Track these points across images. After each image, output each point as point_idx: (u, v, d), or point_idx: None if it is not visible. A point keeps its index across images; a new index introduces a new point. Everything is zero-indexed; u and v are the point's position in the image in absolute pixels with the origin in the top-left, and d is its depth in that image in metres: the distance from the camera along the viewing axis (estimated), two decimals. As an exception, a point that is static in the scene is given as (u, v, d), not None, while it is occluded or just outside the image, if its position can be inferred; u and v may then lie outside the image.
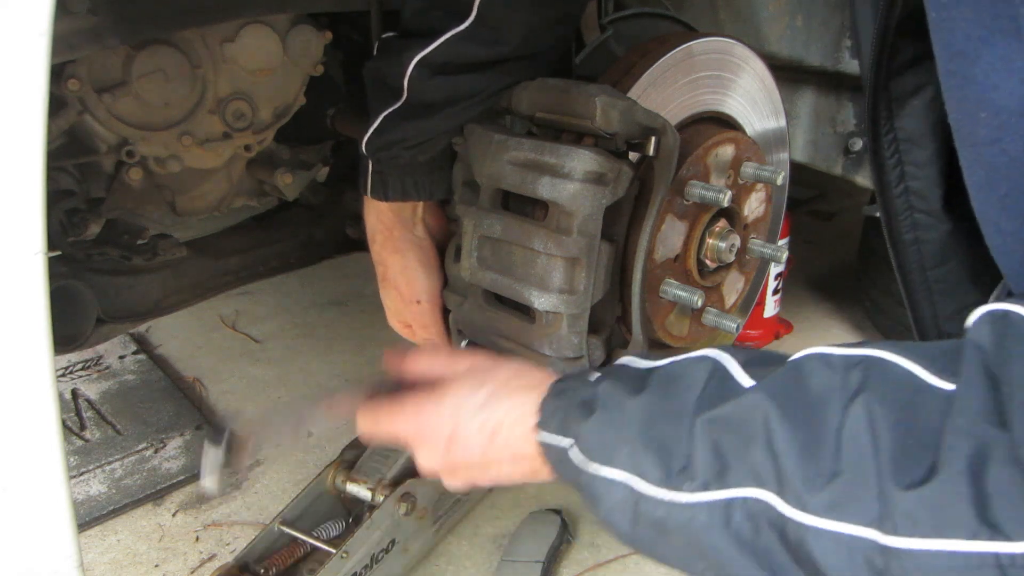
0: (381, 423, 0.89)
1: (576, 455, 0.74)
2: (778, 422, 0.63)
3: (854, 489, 0.59)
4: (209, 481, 0.94)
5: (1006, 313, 0.58)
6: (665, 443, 0.68)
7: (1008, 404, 0.55)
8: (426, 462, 0.86)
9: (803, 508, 0.60)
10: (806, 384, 0.64)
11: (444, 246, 1.19)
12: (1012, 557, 0.52)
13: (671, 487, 0.67)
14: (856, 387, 0.62)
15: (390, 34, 1.08)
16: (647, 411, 0.71)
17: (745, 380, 0.69)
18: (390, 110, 1.05)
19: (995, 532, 0.53)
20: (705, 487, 0.66)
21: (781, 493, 0.62)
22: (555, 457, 0.76)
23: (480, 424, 0.81)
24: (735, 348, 0.73)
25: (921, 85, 0.90)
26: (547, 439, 0.77)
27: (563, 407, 0.77)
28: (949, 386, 0.59)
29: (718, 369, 0.71)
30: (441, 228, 1.20)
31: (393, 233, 1.15)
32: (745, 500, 0.64)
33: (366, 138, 1.08)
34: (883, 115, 0.92)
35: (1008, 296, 0.59)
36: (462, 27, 0.98)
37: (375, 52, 1.09)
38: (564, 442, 0.75)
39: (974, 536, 0.54)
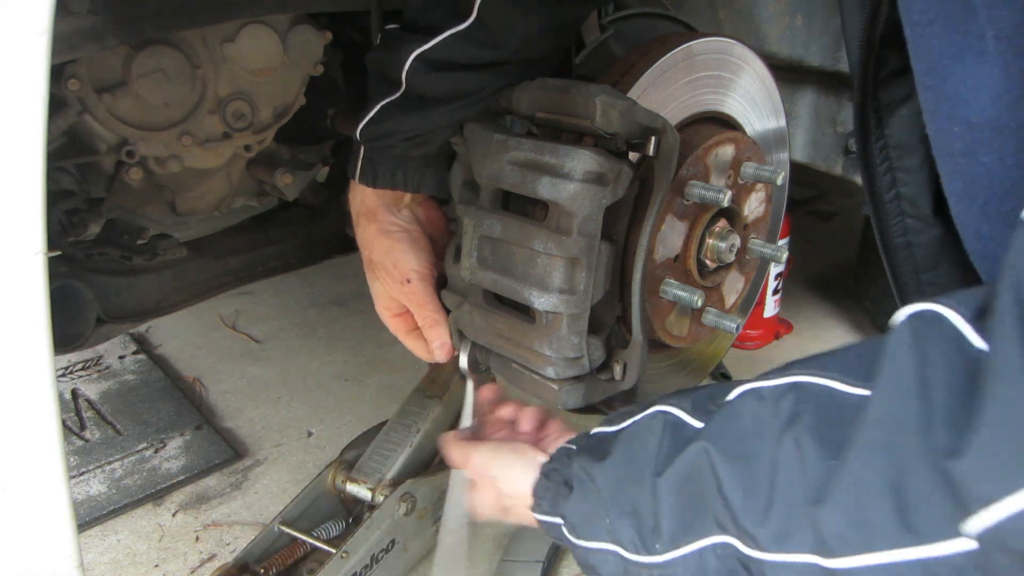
0: (453, 454, 1.02)
1: (567, 532, 0.82)
2: (721, 465, 0.67)
3: (790, 519, 0.62)
4: None
5: (921, 313, 0.59)
6: (635, 508, 0.75)
7: (928, 409, 0.55)
8: (474, 504, 1.00)
9: (757, 545, 0.64)
10: (742, 422, 0.68)
11: (434, 236, 1.18)
12: (939, 561, 0.54)
13: (648, 550, 0.74)
14: (786, 417, 0.65)
15: (393, 26, 1.08)
16: (615, 480, 0.78)
17: (695, 423, 0.74)
18: (387, 101, 1.05)
19: (917, 537, 0.54)
20: (675, 544, 0.71)
21: (738, 535, 0.66)
22: (553, 533, 0.85)
23: (511, 519, 0.95)
24: (682, 395, 0.79)
25: (909, 95, 0.91)
26: (542, 519, 0.86)
27: (551, 488, 0.85)
28: (864, 392, 0.61)
29: (669, 420, 0.76)
30: (431, 219, 1.18)
31: (376, 215, 1.13)
32: (714, 547, 0.69)
33: (361, 125, 1.08)
34: (872, 123, 0.93)
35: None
36: (462, 27, 0.99)
37: (378, 42, 1.09)
38: (556, 520, 0.84)
39: (898, 544, 0.55)
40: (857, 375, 0.63)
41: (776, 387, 0.67)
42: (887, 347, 0.60)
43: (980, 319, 0.56)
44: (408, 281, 1.13)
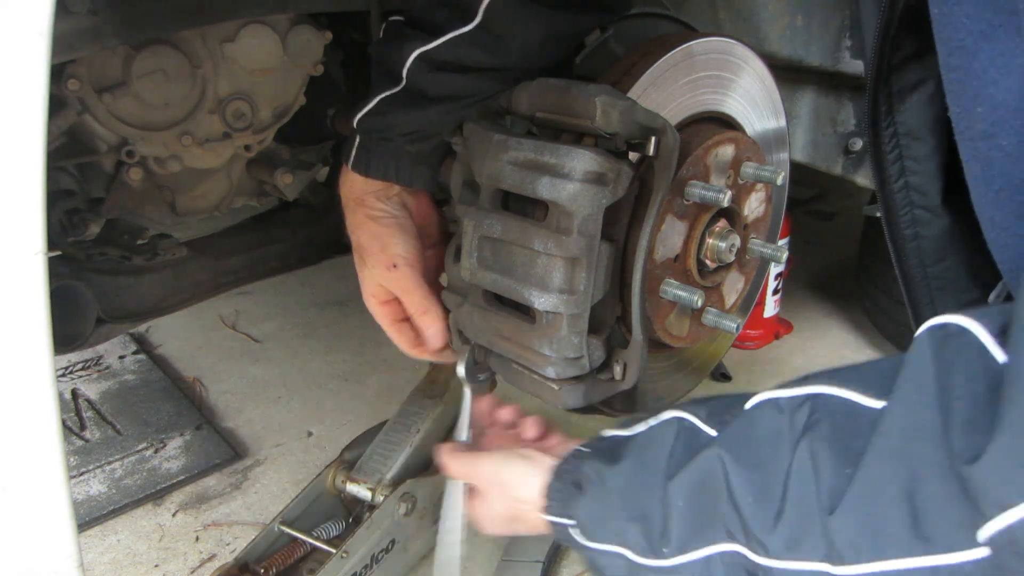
0: (456, 467, 1.02)
1: (576, 533, 0.82)
2: (735, 472, 0.67)
3: (802, 526, 0.62)
4: None
5: (945, 325, 0.59)
6: (644, 512, 0.74)
7: (948, 417, 0.55)
8: (480, 517, 1.00)
9: (766, 553, 0.64)
10: (757, 430, 0.68)
11: (423, 226, 1.17)
12: (949, 569, 0.54)
13: (656, 555, 0.73)
14: (802, 427, 0.65)
15: (398, 18, 1.07)
16: (626, 483, 0.78)
17: (709, 431, 0.74)
18: (387, 94, 1.05)
19: (929, 545, 0.54)
20: (683, 549, 0.71)
21: (747, 543, 0.66)
22: (562, 535, 0.84)
23: (521, 529, 0.95)
24: (699, 403, 0.79)
25: (922, 79, 0.90)
26: (553, 520, 0.85)
27: (562, 490, 0.85)
28: (881, 404, 0.61)
29: (684, 427, 0.76)
30: (421, 210, 1.17)
31: (365, 202, 1.13)
32: (722, 555, 0.69)
33: (360, 115, 1.08)
34: (883, 110, 0.93)
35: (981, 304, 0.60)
36: (465, 29, 0.99)
37: (381, 33, 1.09)
38: (567, 521, 0.83)
39: (909, 552, 0.55)
40: (876, 389, 0.63)
41: (793, 398, 0.67)
42: (908, 358, 0.59)
43: (1004, 335, 0.55)
44: (395, 266, 1.12)
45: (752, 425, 0.69)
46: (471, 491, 1.03)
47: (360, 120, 1.08)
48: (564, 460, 0.88)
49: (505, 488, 0.94)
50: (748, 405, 0.71)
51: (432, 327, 1.13)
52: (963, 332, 0.57)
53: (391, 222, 1.13)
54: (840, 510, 0.59)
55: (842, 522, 0.59)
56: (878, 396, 0.62)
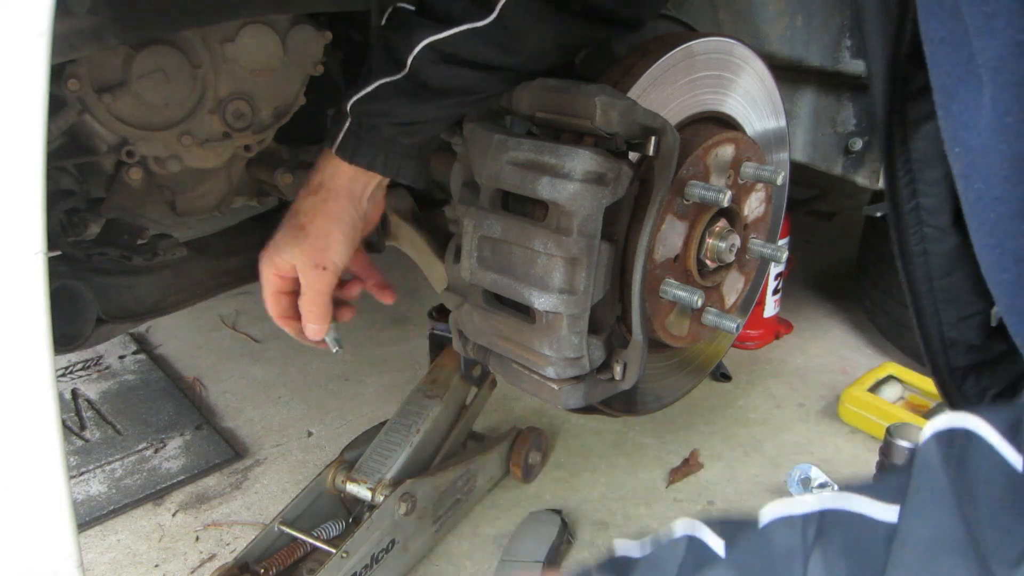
0: None
1: None
2: None
3: None
4: None
5: (950, 431, 0.56)
6: None
7: (971, 522, 0.52)
8: None
9: None
10: (770, 548, 0.65)
11: (369, 238, 1.19)
12: None
13: None
14: (813, 537, 0.62)
15: (406, 5, 1.05)
16: None
17: (718, 546, 0.71)
18: (387, 80, 1.03)
19: None
20: None
21: None
22: None
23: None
24: (713, 519, 0.76)
25: (933, 111, 0.90)
26: None
27: None
28: (893, 513, 0.58)
29: (694, 544, 0.73)
30: (374, 218, 1.19)
31: (339, 198, 1.11)
32: None
33: (355, 98, 1.06)
34: (897, 138, 0.92)
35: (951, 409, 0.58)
36: (480, 24, 0.98)
37: (386, 18, 1.07)
38: None
39: None
40: (889, 497, 0.60)
41: (807, 515, 0.65)
42: (916, 466, 0.57)
43: (1013, 433, 0.52)
44: (324, 268, 1.12)
45: (765, 543, 0.66)
46: None
47: (355, 104, 1.07)
48: None
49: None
50: (761, 524, 0.68)
51: (316, 330, 1.17)
52: (970, 436, 0.54)
53: (348, 229, 1.12)
54: None
55: None
56: (891, 502, 0.59)
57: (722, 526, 0.73)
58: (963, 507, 0.52)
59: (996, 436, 0.53)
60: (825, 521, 0.63)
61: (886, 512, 0.59)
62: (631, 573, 0.77)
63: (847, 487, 0.64)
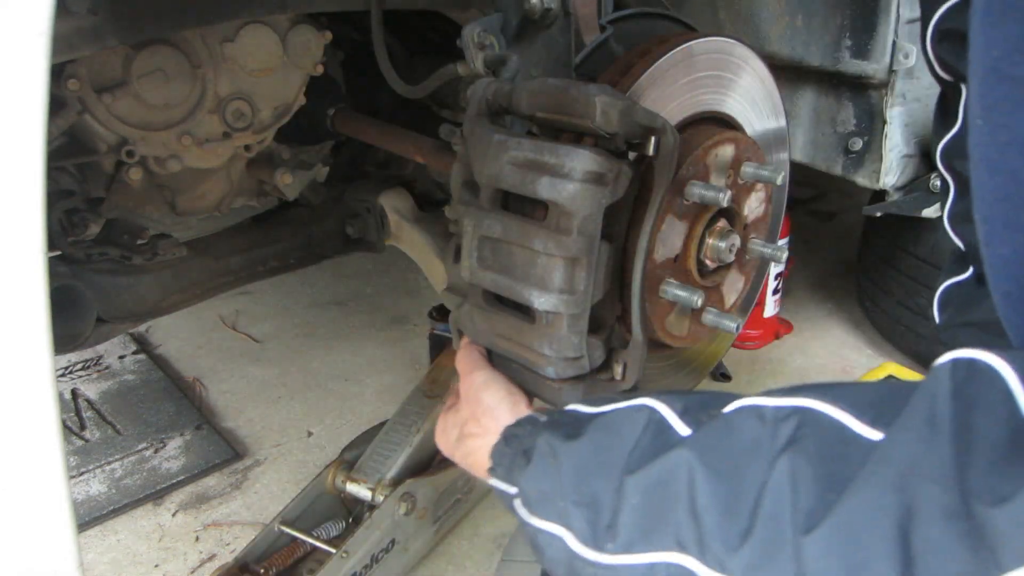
0: (461, 358, 1.02)
1: (518, 505, 0.77)
2: (703, 480, 0.62)
3: (771, 548, 0.57)
4: None
5: (972, 361, 0.53)
6: (594, 499, 0.69)
7: (965, 456, 0.50)
8: (441, 423, 1.00)
9: (724, 571, 0.59)
10: (736, 438, 0.63)
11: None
12: None
13: (598, 547, 0.68)
14: (784, 441, 0.60)
15: None
16: (580, 463, 0.72)
17: (682, 429, 0.68)
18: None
19: None
20: (628, 548, 0.66)
21: (702, 557, 0.61)
22: (506, 502, 0.80)
23: (460, 456, 0.93)
24: (674, 395, 0.73)
25: None
26: (497, 484, 0.81)
27: (509, 455, 0.81)
28: (878, 435, 0.56)
29: (654, 419, 0.71)
30: None
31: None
32: (668, 566, 0.63)
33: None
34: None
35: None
36: None
37: None
38: (510, 490, 0.79)
39: None
40: (872, 416, 0.57)
41: (779, 408, 0.62)
42: (923, 386, 0.54)
43: None
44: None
45: (730, 431, 0.64)
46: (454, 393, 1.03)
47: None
48: (517, 424, 0.84)
49: (475, 407, 0.91)
50: (728, 409, 0.66)
51: None
52: (991, 372, 0.52)
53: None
54: (818, 535, 0.53)
55: (818, 548, 0.53)
56: (873, 425, 0.57)
57: (684, 406, 0.70)
58: (959, 441, 0.50)
59: (1017, 382, 0.51)
60: (801, 423, 0.60)
61: (869, 433, 0.57)
62: (582, 431, 0.75)
63: (830, 392, 0.61)
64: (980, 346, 0.53)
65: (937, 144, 1.00)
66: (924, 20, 0.94)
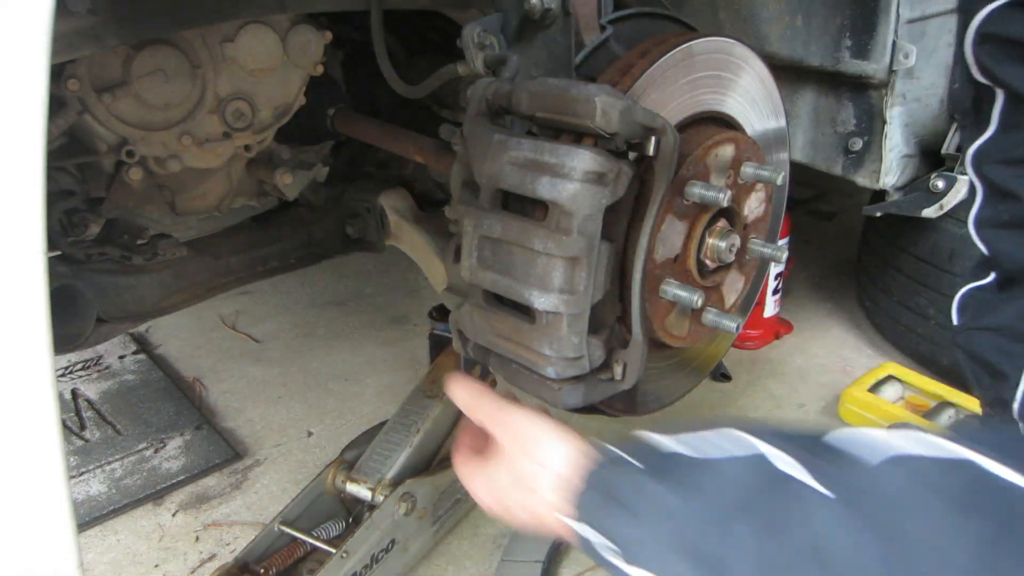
0: (476, 405, 0.92)
1: (605, 551, 0.71)
2: (869, 555, 0.55)
3: None
4: None
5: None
6: (717, 559, 0.63)
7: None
8: (481, 478, 0.88)
9: None
10: (890, 494, 0.56)
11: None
12: None
13: None
14: (955, 497, 0.54)
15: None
16: (699, 515, 0.65)
17: (817, 486, 0.60)
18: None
19: None
20: None
21: None
22: (584, 545, 0.74)
23: (516, 500, 0.82)
24: (775, 434, 0.65)
25: None
26: (577, 528, 0.74)
27: (593, 498, 0.74)
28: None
29: (761, 464, 0.64)
30: None
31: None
32: None
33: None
34: None
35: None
36: None
37: None
38: (595, 537, 0.73)
39: None
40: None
41: (935, 459, 0.56)
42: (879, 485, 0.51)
43: None
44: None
45: (879, 483, 0.57)
46: (475, 439, 0.91)
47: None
48: (599, 465, 0.76)
49: (527, 446, 0.80)
50: (874, 461, 0.58)
51: None
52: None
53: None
54: None
55: None
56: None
57: (793, 449, 0.63)
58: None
59: None
60: (965, 478, 0.54)
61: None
62: (694, 481, 0.67)
63: (976, 441, 0.55)
64: (996, 352, 0.51)
65: (968, 148, 0.98)
66: (964, 20, 0.92)
